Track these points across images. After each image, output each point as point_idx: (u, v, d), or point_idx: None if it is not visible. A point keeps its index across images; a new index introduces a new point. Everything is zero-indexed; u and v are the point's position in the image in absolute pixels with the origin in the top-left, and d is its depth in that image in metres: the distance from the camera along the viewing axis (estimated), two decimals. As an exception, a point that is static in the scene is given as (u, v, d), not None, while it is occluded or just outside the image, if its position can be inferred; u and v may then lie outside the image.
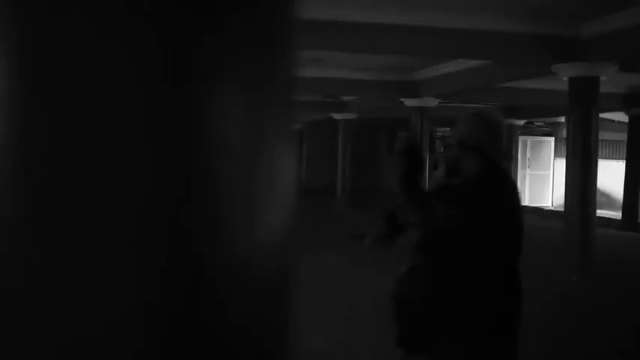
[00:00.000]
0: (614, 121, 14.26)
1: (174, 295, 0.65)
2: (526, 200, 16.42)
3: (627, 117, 12.83)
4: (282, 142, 0.72)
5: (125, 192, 0.62)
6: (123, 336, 0.63)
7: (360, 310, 5.74)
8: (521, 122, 16.20)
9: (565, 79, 7.39)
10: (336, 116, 15.89)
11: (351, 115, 15.69)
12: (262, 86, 0.70)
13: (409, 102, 11.69)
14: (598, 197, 7.81)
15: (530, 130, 17.04)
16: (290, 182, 0.74)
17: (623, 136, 13.31)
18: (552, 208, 15.29)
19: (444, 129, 19.20)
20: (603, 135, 13.77)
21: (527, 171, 16.69)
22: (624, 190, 12.80)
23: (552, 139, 16.69)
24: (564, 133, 7.71)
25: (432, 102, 11.59)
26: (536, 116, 15.63)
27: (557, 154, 15.88)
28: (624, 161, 12.88)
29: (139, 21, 0.62)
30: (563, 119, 13.65)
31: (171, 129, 0.63)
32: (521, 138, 16.62)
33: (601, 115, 9.59)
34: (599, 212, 8.75)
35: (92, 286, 0.62)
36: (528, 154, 16.77)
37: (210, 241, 0.66)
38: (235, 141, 0.67)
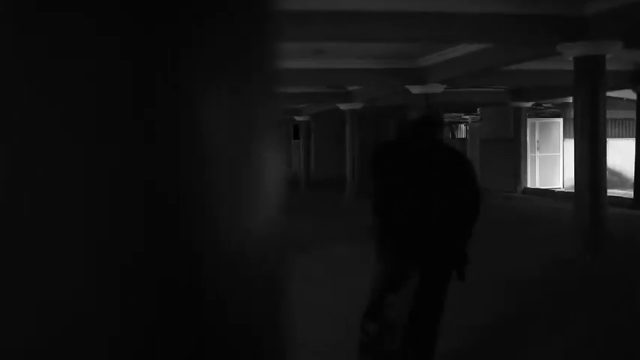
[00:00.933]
0: (622, 99, 14.11)
1: (171, 294, 0.65)
2: (537, 182, 16.33)
3: (635, 94, 12.70)
4: (269, 139, 0.73)
5: (116, 192, 0.62)
6: (121, 336, 0.63)
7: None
8: (529, 104, 16.08)
9: (570, 58, 7.31)
10: (342, 107, 15.84)
11: (357, 105, 15.63)
12: (247, 83, 0.70)
13: (414, 89, 11.62)
14: (609, 176, 7.76)
15: (538, 112, 16.90)
16: (279, 179, 0.74)
17: (633, 114, 13.18)
18: (563, 190, 15.18)
19: (451, 114, 19.13)
20: (612, 113, 13.66)
21: (537, 153, 16.57)
22: (635, 169, 12.69)
23: (561, 120, 16.55)
24: (573, 114, 7.65)
25: (437, 88, 11.51)
26: (544, 98, 15.50)
27: (566, 135, 15.75)
28: (635, 139, 12.76)
29: (127, 20, 0.62)
30: (571, 100, 13.54)
31: (160, 128, 0.64)
32: (529, 120, 16.50)
33: (609, 94, 9.50)
34: (611, 192, 8.69)
35: (89, 286, 0.62)
36: (537, 136, 16.65)
37: (202, 239, 0.66)
38: (223, 140, 0.67)
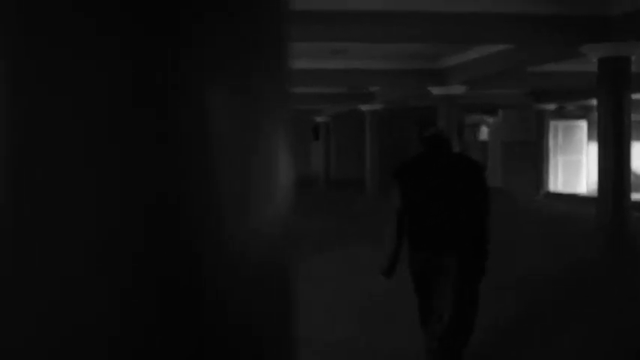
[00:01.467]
0: (648, 101, 13.86)
1: (173, 293, 0.65)
2: (559, 186, 16.12)
3: (662, 97, 12.46)
4: (277, 139, 0.72)
5: (122, 192, 0.62)
6: (121, 335, 0.64)
7: (388, 303, 5.73)
8: (552, 106, 15.87)
9: (594, 60, 7.20)
10: (363, 107, 15.80)
11: (377, 106, 15.59)
12: (256, 83, 0.70)
13: (436, 90, 11.54)
14: (633, 180, 7.62)
15: (562, 114, 16.68)
16: (286, 178, 0.74)
17: (659, 117, 12.94)
18: (587, 194, 14.96)
19: (474, 116, 18.98)
20: (637, 117, 13.41)
21: (560, 156, 16.36)
22: (661, 173, 12.45)
23: (585, 122, 16.31)
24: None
25: (459, 89, 11.42)
26: (568, 100, 15.28)
27: (590, 138, 15.52)
28: (660, 143, 12.51)
29: (130, 21, 0.63)
30: (595, 102, 13.35)
31: (163, 128, 0.63)
32: (552, 123, 16.29)
33: (633, 97, 9.34)
34: (635, 196, 8.53)
35: (90, 285, 0.63)
36: (560, 139, 16.43)
37: (208, 239, 0.66)
38: (228, 139, 0.67)
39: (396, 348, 4.36)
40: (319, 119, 20.18)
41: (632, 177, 7.57)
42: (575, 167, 16.27)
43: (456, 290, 3.22)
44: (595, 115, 10.72)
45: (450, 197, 3.27)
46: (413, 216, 3.36)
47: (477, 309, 3.39)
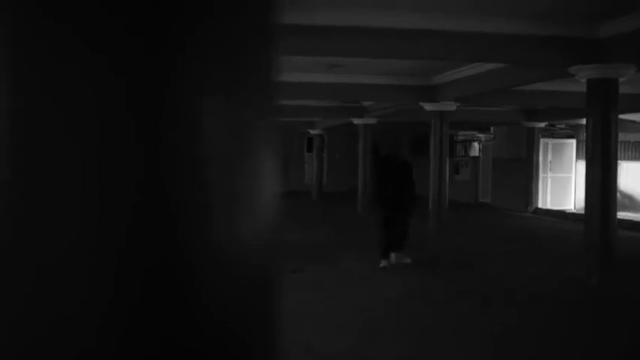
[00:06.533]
0: (635, 122, 14.11)
1: (160, 294, 0.65)
2: (548, 203, 16.30)
3: (649, 118, 12.68)
4: (265, 148, 0.74)
5: (110, 193, 0.64)
6: (109, 333, 0.65)
7: (382, 314, 5.79)
8: (543, 125, 16.10)
9: (583, 80, 7.38)
10: (356, 121, 15.96)
11: (371, 120, 15.75)
12: (244, 92, 0.71)
13: (428, 106, 11.72)
14: (620, 199, 7.77)
15: (552, 133, 16.92)
16: (273, 184, 0.75)
17: (646, 137, 13.15)
18: (574, 211, 15.15)
19: (465, 132, 19.17)
20: (625, 136, 13.64)
21: (549, 174, 16.57)
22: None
23: (574, 141, 16.55)
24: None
25: (450, 106, 11.61)
26: (558, 118, 15.51)
27: (579, 157, 15.75)
28: (647, 163, 12.71)
29: (125, 28, 0.64)
30: (585, 121, 13.55)
31: (155, 131, 0.65)
32: (542, 140, 16.51)
33: (621, 116, 9.52)
34: (622, 215, 8.67)
35: (83, 286, 0.64)
36: (550, 157, 16.65)
37: (195, 245, 0.67)
38: (218, 144, 0.69)
39: (391, 359, 4.43)
40: (313, 132, 20.30)
41: (620, 196, 7.70)
42: (564, 184, 16.48)
43: (401, 222, 7.93)
44: (583, 134, 10.90)
45: (398, 181, 7.88)
46: (383, 194, 8.01)
47: (408, 228, 8.11)
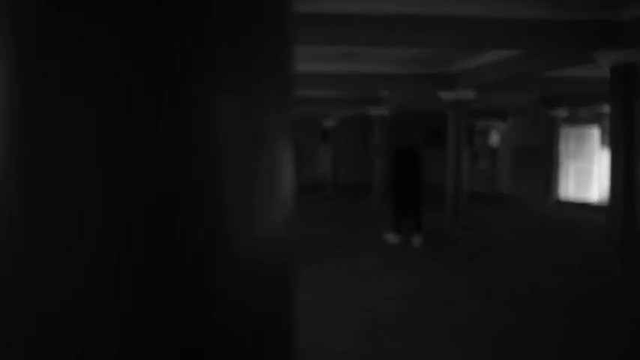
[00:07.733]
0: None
1: (176, 295, 0.65)
2: (570, 193, 15.97)
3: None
4: (281, 144, 0.73)
5: (127, 194, 0.63)
6: (122, 336, 0.64)
7: (395, 310, 5.67)
8: (564, 113, 15.74)
9: (606, 67, 7.10)
10: (371, 112, 15.74)
11: (386, 111, 15.51)
12: (260, 90, 0.71)
13: (445, 95, 11.46)
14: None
15: (574, 121, 16.54)
16: (288, 182, 0.75)
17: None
18: (597, 201, 14.80)
19: (484, 121, 18.84)
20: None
21: (571, 163, 16.22)
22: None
23: (597, 129, 16.16)
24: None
25: (468, 94, 11.33)
26: (580, 106, 15.14)
27: (602, 145, 15.37)
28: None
29: (140, 26, 0.63)
30: (608, 109, 13.17)
31: (170, 129, 0.64)
32: (563, 129, 16.15)
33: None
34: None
35: (92, 286, 0.63)
36: (571, 146, 16.29)
37: (211, 241, 0.67)
38: (234, 143, 0.68)
39: (403, 357, 4.30)
40: (328, 123, 20.13)
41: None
42: (586, 174, 16.11)
43: (416, 207, 9.03)
44: (607, 121, 10.59)
45: (415, 174, 9.08)
46: (399, 182, 9.15)
47: (421, 213, 9.04)
